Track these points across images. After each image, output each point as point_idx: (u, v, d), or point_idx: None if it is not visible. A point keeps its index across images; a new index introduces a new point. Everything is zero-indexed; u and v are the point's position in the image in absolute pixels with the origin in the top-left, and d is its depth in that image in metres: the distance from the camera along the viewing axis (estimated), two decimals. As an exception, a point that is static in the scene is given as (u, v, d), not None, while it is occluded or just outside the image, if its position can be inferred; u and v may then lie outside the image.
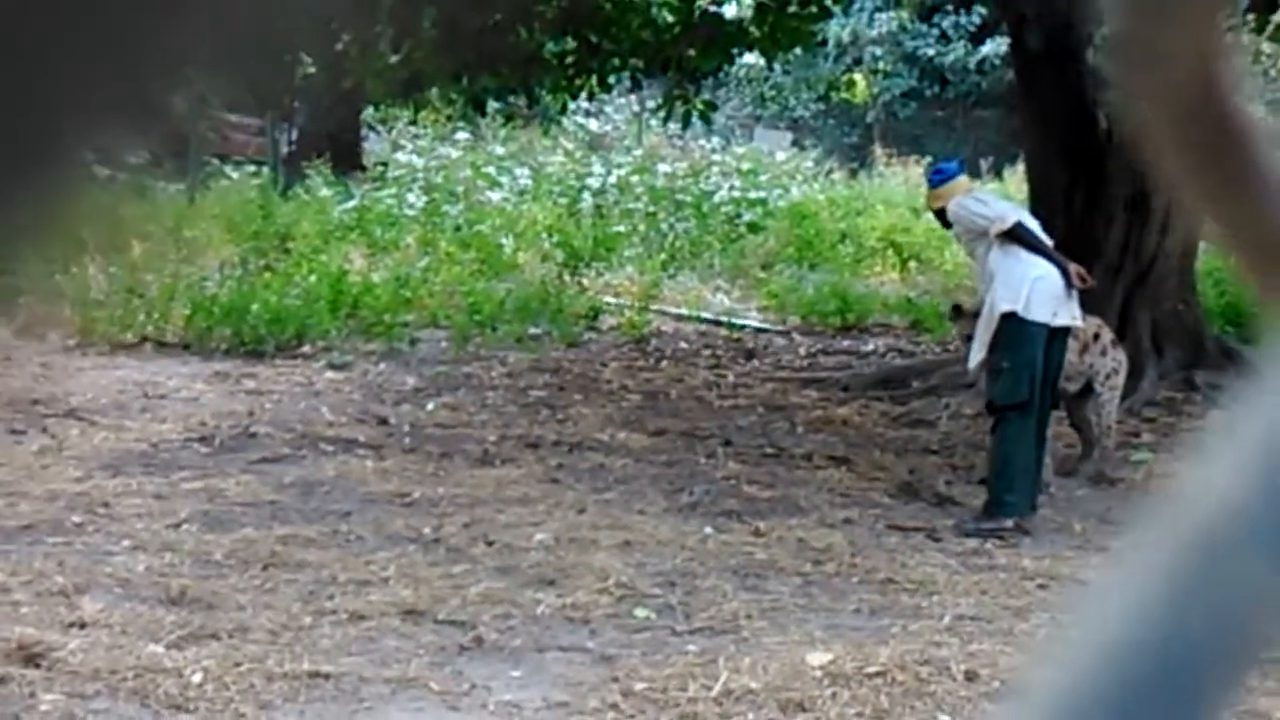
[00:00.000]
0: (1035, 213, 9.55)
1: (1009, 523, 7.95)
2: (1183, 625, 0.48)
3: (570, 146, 23.67)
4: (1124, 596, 0.48)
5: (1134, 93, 0.51)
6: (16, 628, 5.70)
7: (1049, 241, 8.19)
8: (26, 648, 5.51)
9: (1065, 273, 8.00)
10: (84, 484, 7.90)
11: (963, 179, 8.52)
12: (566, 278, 15.94)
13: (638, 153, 23.46)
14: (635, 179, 21.06)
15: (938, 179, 8.50)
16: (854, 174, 27.01)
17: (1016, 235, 7.99)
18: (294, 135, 25.23)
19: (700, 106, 13.73)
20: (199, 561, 6.73)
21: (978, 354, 8.10)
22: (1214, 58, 0.50)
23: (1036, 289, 7.90)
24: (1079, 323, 8.33)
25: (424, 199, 19.60)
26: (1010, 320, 7.89)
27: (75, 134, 0.43)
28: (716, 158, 23.87)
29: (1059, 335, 8.09)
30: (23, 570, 6.43)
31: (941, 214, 8.40)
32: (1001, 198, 9.55)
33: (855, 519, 8.07)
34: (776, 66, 27.01)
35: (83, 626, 5.81)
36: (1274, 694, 5.15)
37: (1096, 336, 9.28)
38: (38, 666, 5.40)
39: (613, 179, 20.98)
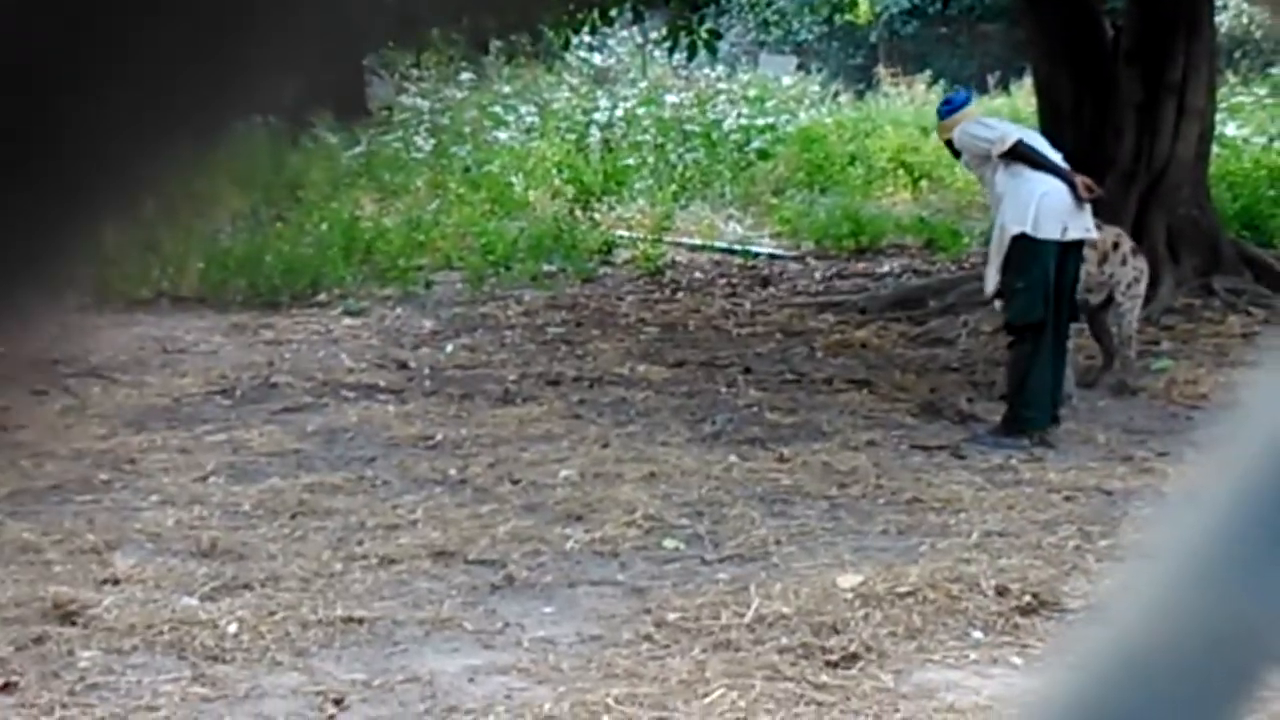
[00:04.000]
0: (1045, 126, 9.49)
1: (1026, 440, 7.96)
2: None
3: (575, 82, 23.56)
4: None
5: None
6: (51, 586, 5.74)
7: (1057, 156, 8.14)
8: (62, 606, 5.54)
9: (1073, 186, 7.95)
10: (109, 441, 7.92)
11: (970, 108, 8.52)
12: (578, 213, 15.88)
13: (643, 85, 23.36)
14: (642, 111, 20.98)
15: (945, 110, 8.50)
16: (860, 95, 26.85)
17: (1019, 154, 7.94)
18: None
19: (704, 36, 13.64)
20: (228, 513, 6.76)
21: (992, 277, 8.09)
22: None
23: (1043, 206, 7.86)
24: (1093, 234, 8.28)
25: (431, 141, 19.53)
26: (1020, 240, 7.86)
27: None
28: (722, 86, 23.74)
29: (1073, 249, 8.05)
30: (53, 529, 6.45)
31: (952, 145, 8.39)
32: (1007, 119, 9.49)
33: (879, 440, 8.07)
34: (778, -9, 26.85)
35: (116, 583, 5.84)
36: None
37: (1116, 245, 9.24)
38: (74, 624, 5.44)
39: (619, 112, 20.90)
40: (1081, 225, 8.02)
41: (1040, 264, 7.87)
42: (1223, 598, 0.45)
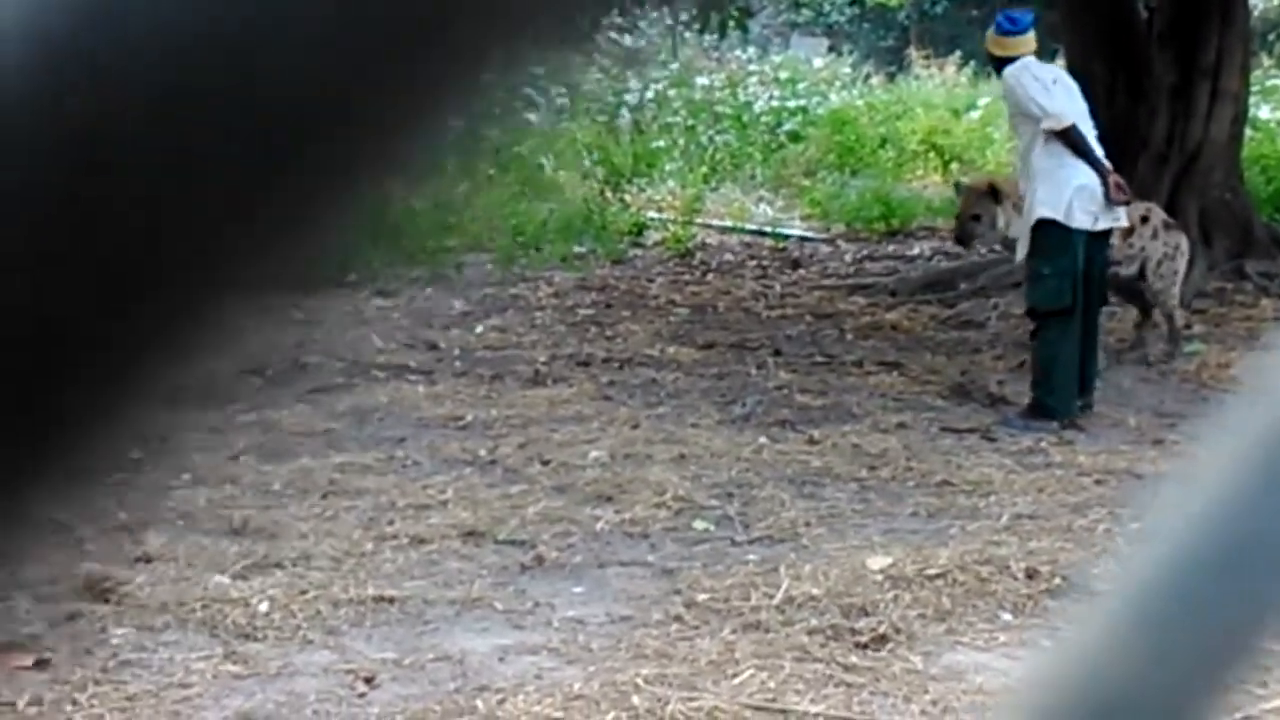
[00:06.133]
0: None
1: (1056, 423, 7.94)
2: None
3: (605, 63, 23.54)
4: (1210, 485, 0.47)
5: None
6: (84, 564, 5.76)
7: (1094, 137, 8.07)
8: (95, 583, 5.57)
9: (1105, 184, 7.87)
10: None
11: (1031, 36, 8.03)
12: (609, 195, 15.88)
13: (674, 67, 23.33)
14: (673, 93, 20.96)
15: (1008, 26, 8.01)
16: (891, 78, 26.76)
17: (1068, 139, 7.83)
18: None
19: (735, 15, 13.63)
20: (259, 492, 6.78)
21: (1022, 250, 8.07)
22: None
23: (1079, 197, 7.80)
24: (1122, 223, 8.26)
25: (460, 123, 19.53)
26: (1052, 227, 7.82)
27: None
28: (753, 68, 23.71)
29: (1101, 237, 8.03)
30: (85, 507, 6.47)
31: (997, 63, 8.09)
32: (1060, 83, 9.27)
33: (909, 423, 8.06)
34: (809, -28, 26.77)
35: (148, 561, 5.86)
36: None
37: (1145, 219, 9.19)
38: (107, 601, 5.46)
39: (650, 94, 20.89)
40: (1111, 216, 8.01)
41: (1070, 253, 7.84)
42: (1217, 577, 0.44)
